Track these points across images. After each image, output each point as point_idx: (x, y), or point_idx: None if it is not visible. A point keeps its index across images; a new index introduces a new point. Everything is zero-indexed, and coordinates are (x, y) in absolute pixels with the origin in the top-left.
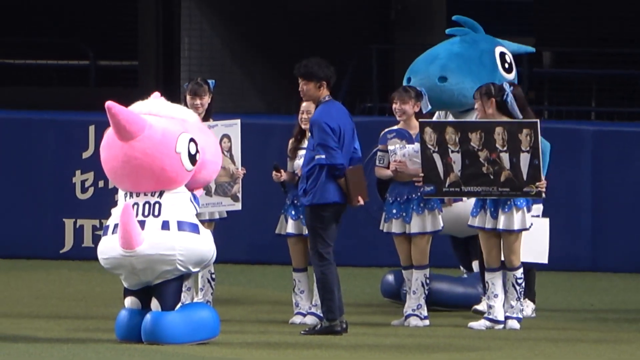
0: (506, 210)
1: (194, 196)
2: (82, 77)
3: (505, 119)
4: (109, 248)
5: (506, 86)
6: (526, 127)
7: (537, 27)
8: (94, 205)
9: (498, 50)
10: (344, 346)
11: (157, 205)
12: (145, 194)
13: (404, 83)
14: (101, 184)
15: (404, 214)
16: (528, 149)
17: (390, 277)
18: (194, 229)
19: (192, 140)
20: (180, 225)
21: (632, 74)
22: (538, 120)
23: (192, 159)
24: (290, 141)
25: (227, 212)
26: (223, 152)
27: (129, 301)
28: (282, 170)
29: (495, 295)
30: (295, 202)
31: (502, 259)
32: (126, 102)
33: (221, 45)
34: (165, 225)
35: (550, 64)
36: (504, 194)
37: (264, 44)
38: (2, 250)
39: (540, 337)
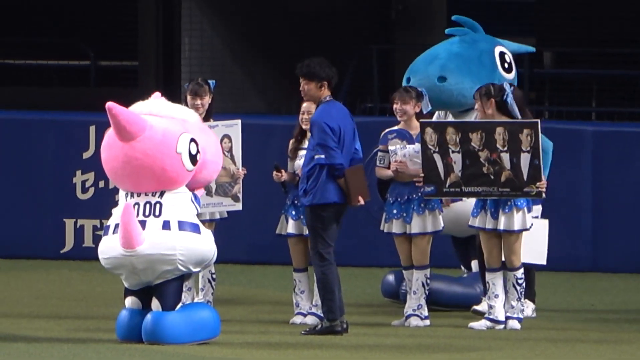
0: (506, 210)
1: (195, 196)
2: (83, 77)
3: (505, 119)
4: (109, 248)
5: (506, 86)
6: (527, 127)
7: (537, 28)
8: (95, 206)
9: (497, 50)
10: (344, 346)
11: (157, 205)
12: (146, 194)
13: (404, 83)
14: (102, 184)
15: (405, 214)
16: (528, 149)
17: (391, 277)
18: (195, 229)
19: (192, 140)
20: (181, 225)
21: (633, 75)
22: (539, 121)
23: (193, 159)
24: (291, 141)
25: (228, 212)
26: (224, 153)
27: (129, 301)
28: (282, 171)
29: (496, 296)
30: (296, 202)
31: (503, 259)
32: (126, 102)
33: (222, 46)
34: (166, 225)
35: (551, 64)
36: (504, 194)
37: (264, 44)
38: (3, 250)
39: (541, 338)
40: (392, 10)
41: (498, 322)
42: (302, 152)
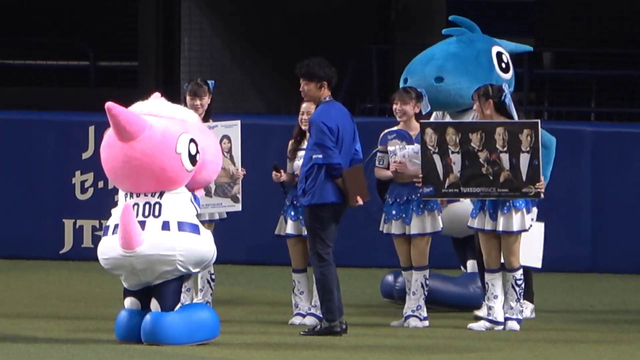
0: (505, 211)
1: (195, 197)
2: (82, 77)
3: (504, 120)
4: (109, 248)
5: (505, 87)
6: (527, 127)
7: (537, 28)
8: (94, 206)
9: (495, 49)
10: (343, 347)
11: (157, 206)
12: (145, 195)
13: (401, 84)
14: (101, 184)
15: (404, 215)
16: (528, 149)
17: (390, 278)
18: (194, 229)
19: (192, 140)
20: (181, 226)
21: (632, 75)
22: (539, 121)
23: (193, 159)
24: (290, 142)
25: (227, 212)
26: (223, 153)
27: (128, 302)
28: (281, 171)
29: (495, 297)
30: (295, 202)
31: (502, 260)
32: (126, 102)
33: (221, 46)
34: (165, 226)
35: (550, 64)
36: (503, 195)
37: (264, 44)
38: (2, 250)
39: (540, 338)
40: (391, 10)
41: (497, 323)
42: (302, 153)
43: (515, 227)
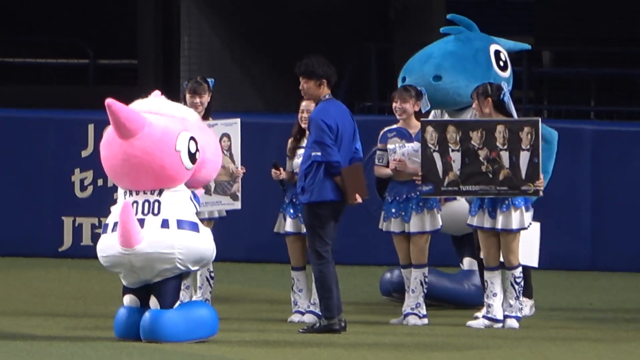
0: (504, 209)
1: (195, 195)
2: (82, 75)
3: (503, 118)
4: (108, 246)
5: (504, 85)
6: (527, 125)
7: (536, 27)
8: (93, 204)
9: (493, 48)
10: (342, 345)
11: (156, 204)
12: (144, 193)
13: (399, 82)
14: (100, 182)
15: (403, 213)
16: (528, 147)
17: (389, 276)
18: (194, 227)
19: (192, 138)
20: (180, 224)
21: (632, 74)
22: (539, 119)
23: (192, 157)
24: (290, 140)
25: (227, 210)
26: (223, 151)
27: (127, 299)
28: (281, 169)
29: (494, 294)
30: (294, 200)
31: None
32: (126, 100)
33: (220, 44)
34: (164, 224)
35: (550, 63)
36: (502, 193)
37: (263, 42)
38: (1, 248)
39: (539, 336)
40: (391, 9)
41: (496, 320)
42: (301, 151)
43: (515, 225)
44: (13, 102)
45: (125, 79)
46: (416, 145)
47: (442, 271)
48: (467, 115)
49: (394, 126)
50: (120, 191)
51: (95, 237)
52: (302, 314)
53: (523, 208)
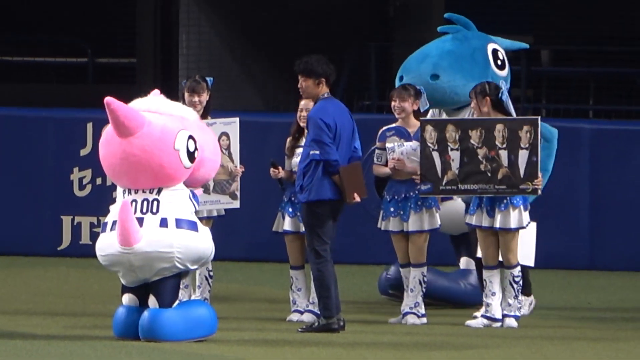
0: (502, 208)
1: (193, 194)
2: (80, 74)
3: (502, 117)
4: (107, 245)
5: (502, 84)
6: (527, 124)
7: (536, 26)
8: (92, 203)
9: (490, 47)
10: (341, 344)
11: (155, 203)
12: (143, 191)
13: (396, 81)
14: (99, 181)
15: (402, 212)
16: (527, 145)
17: (385, 274)
18: (193, 226)
19: (191, 137)
20: (179, 223)
21: (630, 72)
22: (539, 118)
23: (191, 156)
24: (288, 139)
25: (225, 209)
26: (222, 150)
27: (126, 298)
28: (279, 167)
29: (493, 294)
30: (293, 199)
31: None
32: (124, 99)
33: (219, 43)
34: (163, 223)
35: (548, 62)
36: (500, 192)
37: (262, 41)
38: (0, 247)
39: (538, 335)
40: (390, 7)
41: (495, 320)
42: (300, 150)
43: (513, 225)
44: (12, 101)
45: (124, 78)
46: (415, 144)
47: (439, 270)
48: (465, 114)
49: (393, 125)
50: (119, 190)
51: (94, 236)
52: (301, 313)
53: (521, 207)
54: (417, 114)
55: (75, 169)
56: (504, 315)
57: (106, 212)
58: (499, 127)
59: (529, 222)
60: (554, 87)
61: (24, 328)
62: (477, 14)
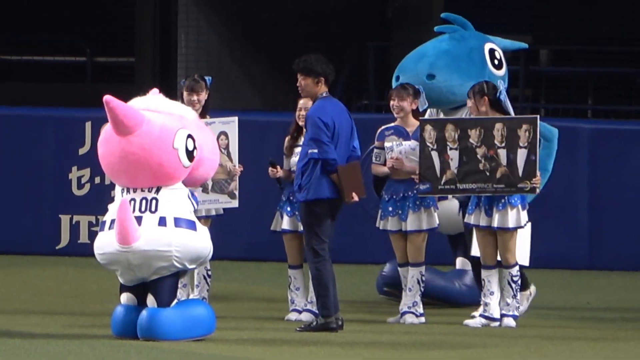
0: (500, 208)
1: (192, 194)
2: (79, 73)
3: (500, 116)
4: (105, 243)
5: (500, 84)
6: (526, 122)
7: (536, 26)
8: (90, 202)
9: (487, 46)
10: (339, 343)
11: (154, 201)
12: (142, 190)
13: (393, 81)
14: (97, 180)
15: (400, 212)
16: (526, 144)
17: (381, 272)
18: (191, 225)
19: (189, 136)
20: (177, 222)
21: (629, 72)
22: (538, 116)
23: (190, 155)
24: (287, 139)
25: (224, 209)
26: (220, 150)
27: (124, 297)
28: (278, 167)
29: (491, 293)
30: (291, 198)
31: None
32: (123, 98)
33: (218, 42)
34: (162, 222)
35: (547, 61)
36: (499, 191)
37: (261, 40)
38: None
39: (536, 335)
40: (388, 7)
41: (493, 319)
42: (298, 150)
43: (511, 224)
44: (10, 100)
45: (122, 77)
46: (413, 143)
47: (435, 269)
48: (462, 114)
49: (392, 124)
50: (118, 189)
51: (92, 235)
52: (299, 312)
53: (519, 206)
54: (416, 113)
55: (74, 168)
56: (502, 315)
57: (105, 211)
58: (498, 126)
59: (527, 222)
60: (553, 87)
61: (22, 327)
62: (477, 14)
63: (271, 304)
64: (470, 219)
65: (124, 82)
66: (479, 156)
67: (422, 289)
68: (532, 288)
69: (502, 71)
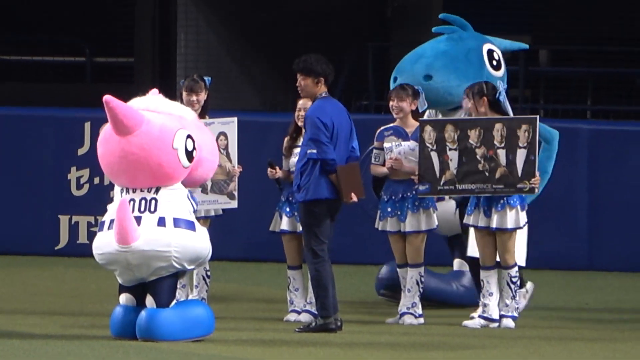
0: (499, 208)
1: (192, 196)
2: (78, 73)
3: (499, 116)
4: (104, 243)
5: (500, 84)
6: (525, 123)
7: (536, 26)
8: (89, 202)
9: (486, 47)
10: (338, 344)
11: (153, 202)
12: (141, 190)
13: (391, 82)
14: (97, 180)
15: (399, 213)
16: (525, 144)
17: (378, 274)
18: (190, 226)
19: (189, 136)
20: (176, 222)
21: (629, 73)
22: (537, 117)
23: (189, 155)
24: (286, 139)
25: (223, 209)
26: (219, 150)
27: (123, 298)
28: (276, 167)
29: (490, 294)
30: (290, 199)
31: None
32: (122, 98)
33: (217, 42)
34: (161, 222)
35: (547, 62)
36: (498, 191)
37: (260, 40)
38: None
39: (535, 336)
40: (388, 7)
41: (492, 320)
42: (297, 150)
43: (510, 225)
44: (9, 100)
45: (121, 77)
46: (412, 144)
47: (432, 271)
48: (460, 115)
49: (391, 125)
50: (117, 189)
51: (91, 236)
52: (298, 313)
53: (518, 207)
54: (415, 114)
55: (73, 169)
56: (501, 316)
57: (104, 212)
58: (498, 126)
59: (526, 223)
60: (552, 87)
61: (21, 327)
62: (476, 14)
63: (270, 305)
64: (469, 220)
65: (123, 82)
66: (478, 157)
67: (421, 290)
68: (529, 285)
69: (501, 72)
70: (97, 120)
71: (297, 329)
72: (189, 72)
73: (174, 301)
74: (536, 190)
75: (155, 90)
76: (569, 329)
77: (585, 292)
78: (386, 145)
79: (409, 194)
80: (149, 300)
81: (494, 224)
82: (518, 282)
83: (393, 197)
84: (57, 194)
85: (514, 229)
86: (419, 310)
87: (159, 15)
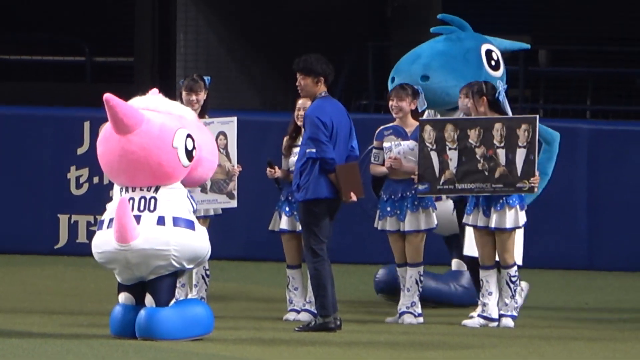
0: (498, 208)
1: (191, 196)
2: (78, 73)
3: (499, 116)
4: (103, 242)
5: (499, 84)
6: (525, 122)
7: (536, 26)
8: (89, 201)
9: (484, 47)
10: (337, 343)
11: (152, 201)
12: (141, 189)
13: (389, 82)
14: (96, 180)
15: (398, 212)
16: (525, 144)
17: (376, 276)
18: (190, 225)
19: (189, 136)
20: (176, 221)
21: (628, 72)
22: (537, 116)
23: (189, 154)
24: (285, 139)
25: (222, 209)
26: (219, 149)
27: (123, 297)
28: (276, 167)
29: (490, 293)
30: (290, 198)
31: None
32: (122, 98)
33: (217, 42)
34: (160, 221)
35: (546, 62)
36: (497, 191)
37: (260, 40)
38: None
39: (535, 335)
40: (387, 7)
41: (491, 319)
42: (297, 150)
43: (509, 224)
44: (9, 99)
45: (121, 77)
46: (412, 143)
47: (430, 271)
48: (458, 115)
49: (390, 124)
50: (116, 188)
51: (90, 235)
52: (298, 312)
53: (517, 207)
54: (415, 113)
55: (72, 168)
56: (501, 315)
57: (103, 211)
58: (497, 126)
59: (525, 222)
60: (552, 87)
61: (20, 326)
62: (475, 14)
63: (269, 304)
64: (469, 219)
65: (123, 82)
66: (477, 156)
67: (421, 289)
68: (524, 284)
69: (499, 72)
70: (97, 120)
71: (296, 328)
72: (189, 72)
73: (173, 300)
74: (536, 189)
75: (155, 90)
76: (568, 329)
77: (585, 292)
78: (386, 144)
79: (408, 193)
80: (149, 299)
81: (493, 224)
82: (517, 282)
83: (392, 197)
84: (57, 193)
85: (513, 229)
86: (418, 309)
87: (158, 15)
